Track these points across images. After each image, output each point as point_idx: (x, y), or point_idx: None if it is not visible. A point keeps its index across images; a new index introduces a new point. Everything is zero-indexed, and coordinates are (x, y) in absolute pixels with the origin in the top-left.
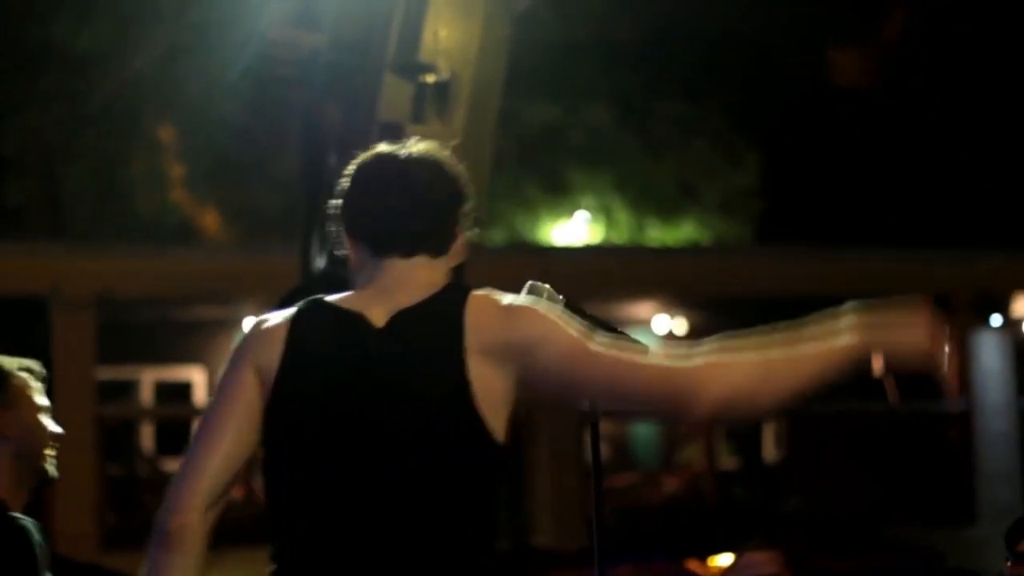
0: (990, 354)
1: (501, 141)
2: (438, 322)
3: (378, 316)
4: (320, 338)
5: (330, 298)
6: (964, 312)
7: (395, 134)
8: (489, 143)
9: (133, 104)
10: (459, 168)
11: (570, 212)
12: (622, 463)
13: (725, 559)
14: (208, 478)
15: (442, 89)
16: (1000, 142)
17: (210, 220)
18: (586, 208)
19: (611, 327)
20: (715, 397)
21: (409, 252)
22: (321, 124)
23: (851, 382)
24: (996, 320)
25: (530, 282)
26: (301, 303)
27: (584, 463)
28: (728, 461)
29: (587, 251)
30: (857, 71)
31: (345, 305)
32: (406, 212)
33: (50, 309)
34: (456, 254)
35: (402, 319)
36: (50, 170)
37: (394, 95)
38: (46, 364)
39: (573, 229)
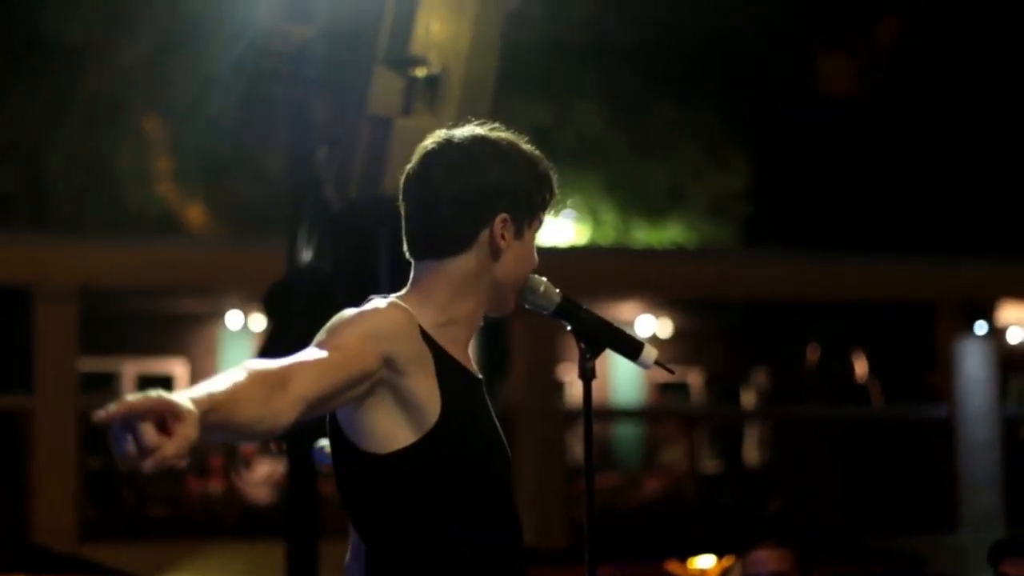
0: (974, 362)
1: None
2: None
3: None
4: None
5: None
6: (949, 319)
7: (384, 128)
8: None
9: (120, 96)
10: (497, 150)
11: (557, 213)
12: (603, 464)
13: (706, 561)
14: None
15: (432, 83)
16: (987, 149)
17: (195, 214)
18: (573, 209)
19: (605, 323)
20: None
21: (416, 255)
22: (310, 118)
23: (837, 387)
24: (981, 328)
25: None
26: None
27: (567, 463)
28: (710, 464)
29: (573, 251)
30: (844, 77)
31: None
32: (414, 211)
33: (33, 300)
34: (485, 250)
35: None
36: (35, 160)
37: (384, 88)
38: (28, 355)
39: (559, 229)
